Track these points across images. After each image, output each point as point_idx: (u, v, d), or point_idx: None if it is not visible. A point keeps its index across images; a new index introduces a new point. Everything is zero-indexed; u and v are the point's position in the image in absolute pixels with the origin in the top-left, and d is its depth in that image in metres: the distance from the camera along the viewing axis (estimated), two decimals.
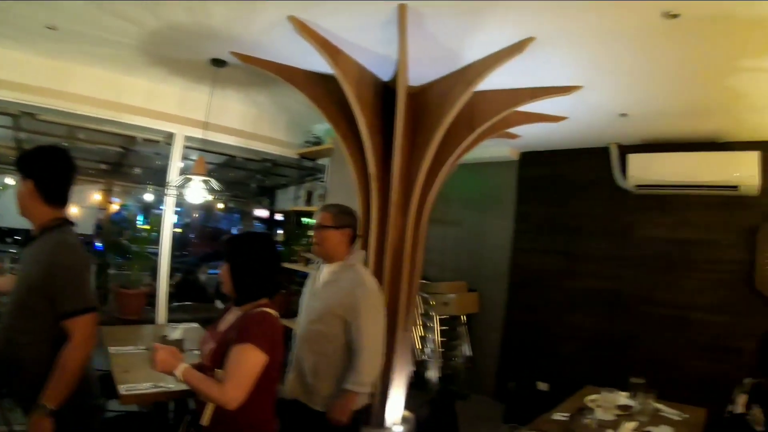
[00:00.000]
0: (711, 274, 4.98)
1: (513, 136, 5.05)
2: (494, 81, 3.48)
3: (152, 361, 2.08)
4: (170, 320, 5.00)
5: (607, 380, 3.68)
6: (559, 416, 3.17)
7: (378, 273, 3.74)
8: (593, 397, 3.48)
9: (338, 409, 2.73)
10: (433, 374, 5.69)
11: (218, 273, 2.45)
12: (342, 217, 2.94)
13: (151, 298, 5.07)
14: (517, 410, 5.25)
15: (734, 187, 4.68)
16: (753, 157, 4.59)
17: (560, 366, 5.65)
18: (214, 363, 2.18)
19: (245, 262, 2.28)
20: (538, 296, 5.91)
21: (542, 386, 5.69)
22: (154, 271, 5.22)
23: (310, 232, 5.04)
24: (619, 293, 5.44)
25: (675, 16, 2.67)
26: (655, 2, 2.55)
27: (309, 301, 3.02)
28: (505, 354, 6.11)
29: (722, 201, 4.95)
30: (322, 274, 3.02)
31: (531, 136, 5.21)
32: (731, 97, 3.81)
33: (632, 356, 5.21)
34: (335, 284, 2.91)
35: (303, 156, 5.98)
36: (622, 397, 3.46)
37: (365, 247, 3.81)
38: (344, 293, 2.83)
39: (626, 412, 3.26)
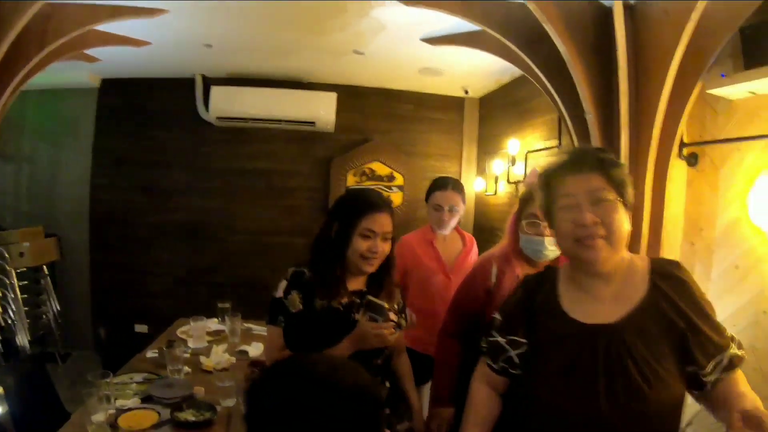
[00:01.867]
0: (290, 201, 5.44)
1: (92, 59, 4.49)
2: None
3: None
4: None
5: (203, 310, 3.60)
6: (151, 353, 3.01)
7: None
8: (184, 328, 3.41)
9: None
10: (22, 339, 4.89)
11: None
12: None
13: None
14: (115, 358, 4.89)
15: (312, 123, 5.10)
16: (331, 98, 5.09)
17: (156, 304, 5.41)
18: None
19: None
20: (123, 234, 5.49)
21: (141, 328, 5.41)
22: None
23: None
24: (203, 224, 5.48)
25: None
26: None
27: None
28: (97, 301, 5.60)
29: (301, 135, 5.38)
30: None
31: (114, 61, 4.67)
32: (307, 40, 4.04)
33: (222, 284, 5.38)
34: None
35: None
36: (213, 323, 3.51)
37: None
38: None
39: (218, 337, 3.34)
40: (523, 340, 1.41)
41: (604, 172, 1.31)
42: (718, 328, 1.30)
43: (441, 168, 5.48)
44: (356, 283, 1.94)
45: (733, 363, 1.28)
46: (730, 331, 2.59)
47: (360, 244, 1.83)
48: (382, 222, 1.85)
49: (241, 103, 5.04)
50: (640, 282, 1.33)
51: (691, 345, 1.24)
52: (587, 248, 1.27)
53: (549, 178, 1.39)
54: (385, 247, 1.86)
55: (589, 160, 1.33)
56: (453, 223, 2.94)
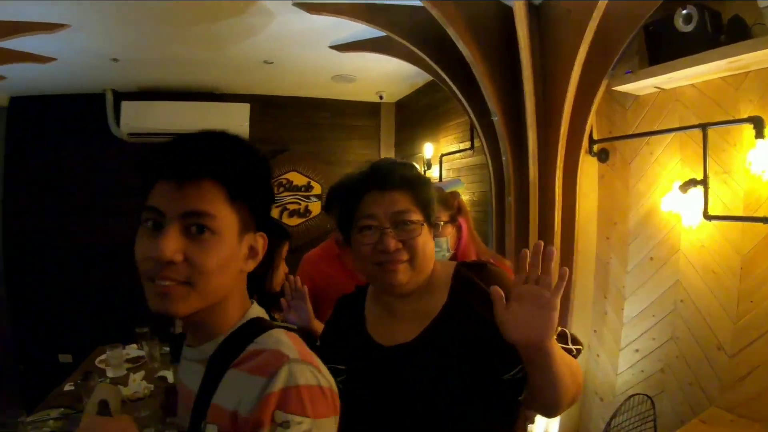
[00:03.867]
0: None
1: None
2: None
3: None
4: None
5: (126, 336, 3.44)
6: (69, 386, 2.77)
7: None
8: (102, 357, 3.16)
9: None
10: None
11: None
12: None
13: None
14: (36, 391, 4.52)
15: None
16: (244, 109, 4.91)
17: (82, 332, 4.94)
18: None
19: None
20: (43, 261, 5.08)
21: (65, 358, 4.99)
22: None
23: None
24: (122, 247, 5.11)
25: None
26: None
27: None
28: (19, 333, 5.20)
29: None
30: None
31: (22, 79, 4.40)
32: (214, 52, 3.91)
33: (142, 307, 5.02)
34: None
35: None
36: (133, 349, 3.34)
37: None
38: None
39: (138, 364, 3.13)
40: (342, 367, 1.24)
41: (410, 191, 1.19)
42: None
43: None
44: None
45: None
46: (649, 322, 2.66)
47: None
48: None
49: (153, 117, 4.76)
50: (441, 293, 1.22)
51: (498, 352, 1.10)
52: (387, 273, 1.16)
53: (349, 194, 1.24)
54: None
55: (395, 178, 1.20)
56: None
